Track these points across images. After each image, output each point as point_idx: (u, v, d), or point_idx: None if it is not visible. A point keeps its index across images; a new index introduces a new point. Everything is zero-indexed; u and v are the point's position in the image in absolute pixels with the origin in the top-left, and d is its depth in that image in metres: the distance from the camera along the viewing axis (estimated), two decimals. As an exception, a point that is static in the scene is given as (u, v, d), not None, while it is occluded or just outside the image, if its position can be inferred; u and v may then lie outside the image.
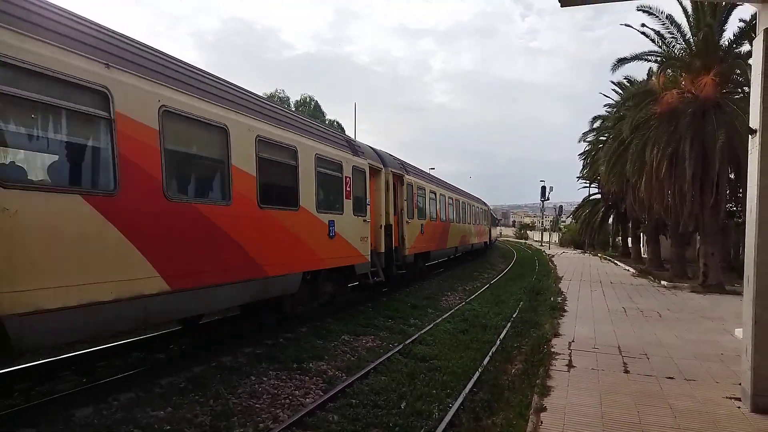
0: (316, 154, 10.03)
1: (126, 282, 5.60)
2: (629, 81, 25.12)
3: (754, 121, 5.77)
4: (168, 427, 5.49)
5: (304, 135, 9.71)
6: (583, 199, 40.31)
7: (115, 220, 5.47)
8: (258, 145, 8.06)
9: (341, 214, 11.06)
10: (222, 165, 7.36)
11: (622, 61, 18.82)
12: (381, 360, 8.17)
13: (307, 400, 6.64)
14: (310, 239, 9.73)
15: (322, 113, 49.84)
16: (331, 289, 11.39)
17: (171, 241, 6.31)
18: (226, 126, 7.31)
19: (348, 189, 11.39)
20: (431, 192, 19.35)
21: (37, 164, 5.28)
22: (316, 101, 50.72)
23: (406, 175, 15.81)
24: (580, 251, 44.39)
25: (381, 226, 13.63)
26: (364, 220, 12.28)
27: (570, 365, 7.49)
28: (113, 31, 6.09)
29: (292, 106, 47.59)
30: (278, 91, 48.07)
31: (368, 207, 12.63)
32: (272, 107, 9.41)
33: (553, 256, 36.48)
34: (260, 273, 8.09)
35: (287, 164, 9.08)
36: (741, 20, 16.35)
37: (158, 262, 6.02)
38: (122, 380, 6.74)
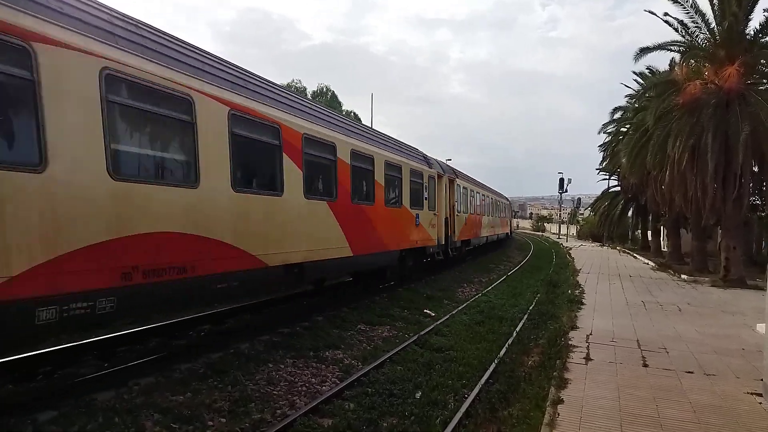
0: (410, 168, 14.64)
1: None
2: (651, 71, 24.65)
3: (782, 111, 5.64)
4: (187, 412, 5.58)
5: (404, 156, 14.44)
6: (603, 192, 39.80)
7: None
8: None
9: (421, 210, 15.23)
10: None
11: (644, 51, 18.48)
12: (397, 350, 8.19)
13: (324, 387, 6.70)
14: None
15: (339, 103, 49.77)
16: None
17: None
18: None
19: (426, 193, 15.76)
20: (471, 190, 23.61)
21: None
22: (333, 91, 50.65)
23: (457, 179, 20.03)
24: (598, 244, 43.91)
25: (445, 218, 17.83)
26: (434, 214, 16.52)
27: (588, 358, 7.44)
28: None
29: (309, 95, 47.59)
30: (295, 81, 48.09)
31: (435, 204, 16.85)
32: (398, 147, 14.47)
33: (570, 248, 36.17)
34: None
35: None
36: (765, 10, 15.93)
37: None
38: (142, 365, 6.86)
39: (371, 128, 14.34)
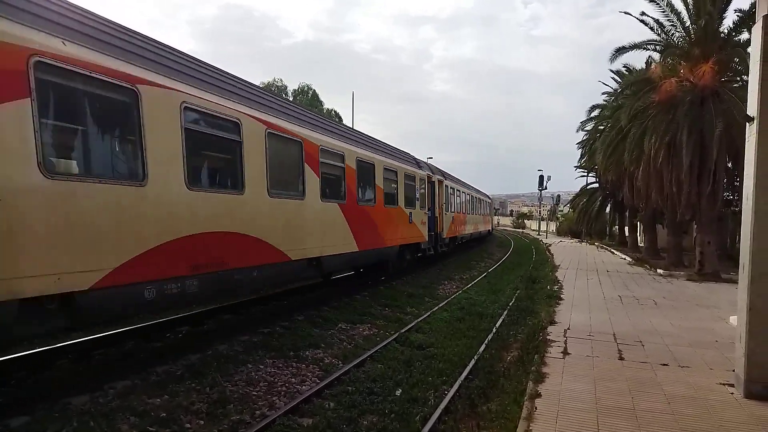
0: (405, 173, 16.04)
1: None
2: (628, 69, 24.99)
3: (752, 108, 5.76)
4: (164, 415, 5.51)
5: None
6: (581, 188, 40.33)
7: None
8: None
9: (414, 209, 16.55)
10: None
11: (620, 51, 18.68)
12: (377, 348, 8.19)
13: (304, 387, 6.67)
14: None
15: (320, 102, 49.55)
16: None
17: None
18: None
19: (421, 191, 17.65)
20: (458, 190, 25.02)
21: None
22: (314, 90, 50.39)
23: (445, 180, 21.28)
24: (577, 240, 44.42)
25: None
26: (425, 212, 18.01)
27: (565, 352, 7.52)
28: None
29: (290, 95, 47.30)
30: (276, 80, 47.80)
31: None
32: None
33: (550, 245, 36.50)
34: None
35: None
36: (737, 11, 16.30)
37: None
38: (118, 368, 6.75)
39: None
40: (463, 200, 27.31)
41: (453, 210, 23.74)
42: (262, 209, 8.38)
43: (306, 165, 9.80)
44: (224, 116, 7.54)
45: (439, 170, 22.08)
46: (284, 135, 9.11)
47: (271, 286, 11.60)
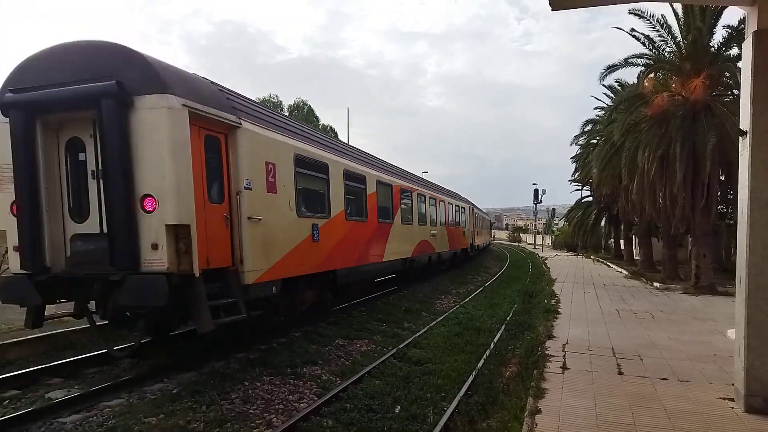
0: (459, 205, 29.68)
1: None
2: (620, 84, 25.27)
3: (744, 122, 5.81)
4: (160, 434, 5.44)
5: None
6: (576, 202, 40.48)
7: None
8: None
9: None
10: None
11: (611, 69, 18.96)
12: (375, 364, 8.14)
13: (302, 404, 6.61)
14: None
15: (316, 117, 49.75)
16: None
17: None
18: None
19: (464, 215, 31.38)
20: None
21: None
22: (310, 105, 50.63)
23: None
24: (573, 254, 44.51)
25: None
26: None
27: (564, 367, 7.48)
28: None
29: (286, 110, 47.48)
30: (272, 95, 48.03)
31: None
32: None
33: (546, 258, 36.56)
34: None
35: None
36: (725, 27, 16.55)
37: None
38: (114, 387, 6.66)
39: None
40: (478, 219, 36.93)
41: (476, 227, 34.37)
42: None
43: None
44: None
45: (467, 200, 32.16)
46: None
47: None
